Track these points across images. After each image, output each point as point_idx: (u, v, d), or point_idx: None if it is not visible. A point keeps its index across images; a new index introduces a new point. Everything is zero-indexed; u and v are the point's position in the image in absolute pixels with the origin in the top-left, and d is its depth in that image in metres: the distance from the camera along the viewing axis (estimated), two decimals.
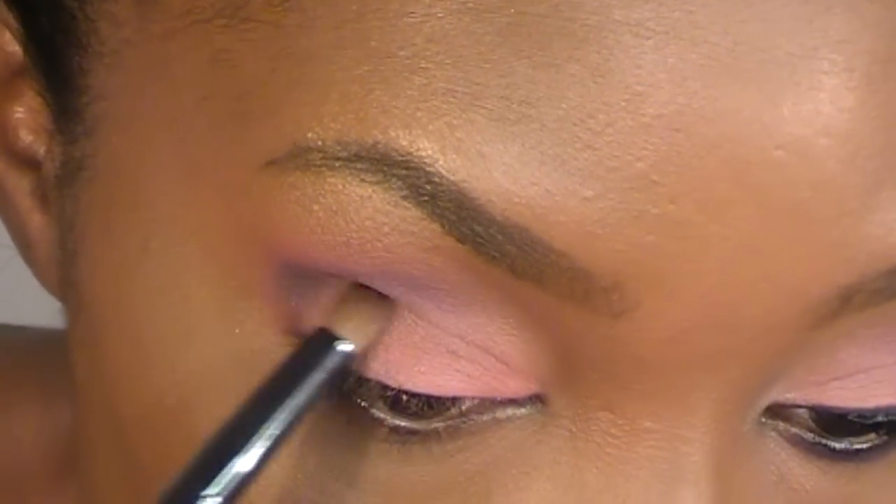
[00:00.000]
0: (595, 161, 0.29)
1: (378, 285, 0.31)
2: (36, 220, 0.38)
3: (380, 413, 0.32)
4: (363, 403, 0.32)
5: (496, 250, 0.30)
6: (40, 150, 0.37)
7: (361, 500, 0.33)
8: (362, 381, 0.32)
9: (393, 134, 0.30)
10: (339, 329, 0.31)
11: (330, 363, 0.31)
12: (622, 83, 0.29)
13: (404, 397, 0.32)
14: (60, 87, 0.35)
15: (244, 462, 0.30)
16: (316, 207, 0.30)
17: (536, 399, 0.33)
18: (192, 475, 0.30)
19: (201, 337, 0.33)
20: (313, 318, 0.32)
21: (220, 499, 0.29)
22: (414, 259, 0.30)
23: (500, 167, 0.29)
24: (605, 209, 0.29)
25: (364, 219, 0.30)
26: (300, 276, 0.31)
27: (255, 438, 0.30)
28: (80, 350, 0.37)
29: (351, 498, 0.33)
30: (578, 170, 0.29)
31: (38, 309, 0.43)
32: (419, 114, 0.30)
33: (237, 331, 0.32)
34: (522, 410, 0.33)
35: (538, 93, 0.29)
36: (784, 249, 0.30)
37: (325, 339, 0.31)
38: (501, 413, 0.33)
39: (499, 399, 0.32)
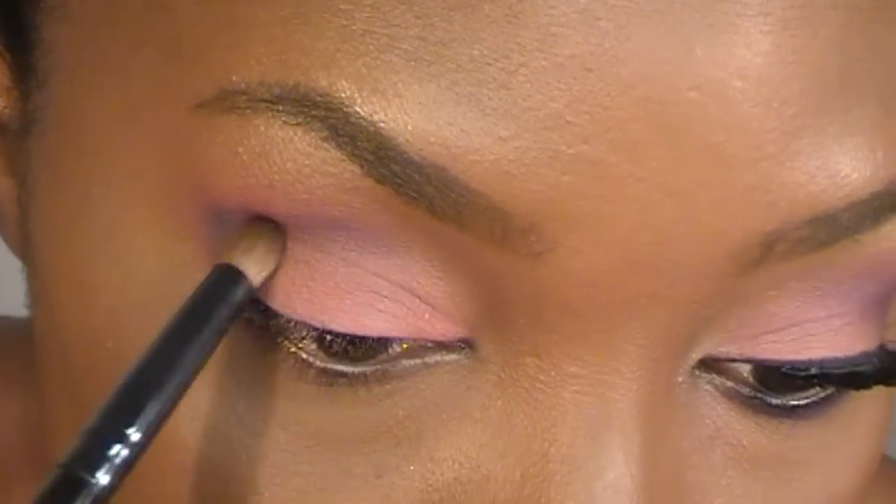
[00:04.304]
0: (509, 101, 0.30)
1: (301, 226, 0.32)
2: (3, 183, 0.39)
3: (308, 355, 0.32)
4: (291, 347, 0.32)
5: (414, 191, 0.30)
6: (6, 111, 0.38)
7: (293, 442, 0.33)
8: (289, 322, 0.32)
9: (313, 75, 0.30)
10: (240, 262, 0.32)
11: (234, 296, 0.31)
12: (535, 23, 0.29)
13: (328, 337, 0.32)
14: (17, 44, 0.36)
15: (160, 397, 0.30)
16: (241, 150, 0.31)
17: (466, 344, 0.33)
18: (112, 412, 0.30)
19: (139, 280, 0.33)
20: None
21: (139, 434, 0.30)
22: (335, 201, 0.31)
23: (417, 107, 0.30)
24: (520, 149, 0.30)
25: (286, 161, 0.31)
26: (229, 219, 0.32)
27: (169, 374, 0.30)
28: (37, 304, 0.38)
29: (282, 440, 0.33)
30: (493, 109, 0.30)
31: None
32: (338, 55, 0.30)
33: (173, 273, 0.33)
34: (452, 356, 0.33)
35: (453, 33, 0.30)
36: (701, 192, 0.30)
37: (228, 274, 0.31)
38: (431, 358, 0.33)
39: (427, 341, 0.33)
